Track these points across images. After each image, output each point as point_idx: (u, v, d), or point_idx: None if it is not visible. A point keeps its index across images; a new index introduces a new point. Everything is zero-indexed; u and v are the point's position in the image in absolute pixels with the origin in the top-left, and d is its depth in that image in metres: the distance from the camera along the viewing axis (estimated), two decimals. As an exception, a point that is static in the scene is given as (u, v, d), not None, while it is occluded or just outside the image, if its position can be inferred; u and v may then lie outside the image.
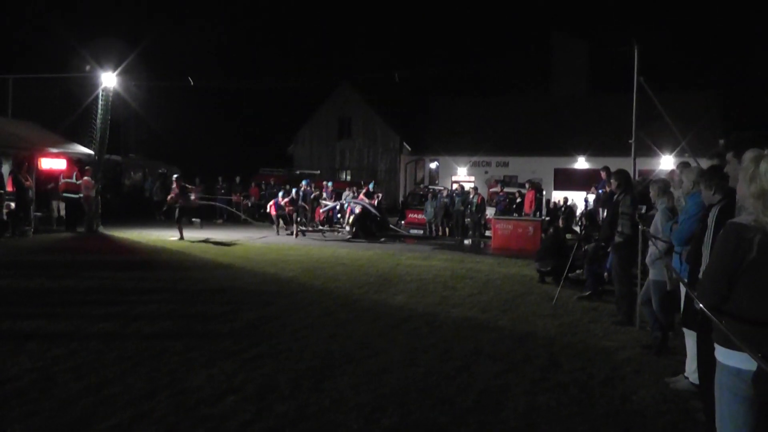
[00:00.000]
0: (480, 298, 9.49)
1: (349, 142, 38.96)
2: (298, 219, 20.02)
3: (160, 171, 28.00)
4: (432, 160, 38.56)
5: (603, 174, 11.87)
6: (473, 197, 21.47)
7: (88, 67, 20.55)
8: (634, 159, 13.24)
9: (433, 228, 22.34)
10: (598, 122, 34.70)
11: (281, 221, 20.24)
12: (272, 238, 18.42)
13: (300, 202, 23.00)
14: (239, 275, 10.86)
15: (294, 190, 21.85)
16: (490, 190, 26.95)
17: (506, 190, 23.25)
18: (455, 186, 25.16)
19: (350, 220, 20.49)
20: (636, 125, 13.02)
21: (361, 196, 22.39)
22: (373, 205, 21.37)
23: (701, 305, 2.78)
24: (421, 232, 22.77)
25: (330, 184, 26.10)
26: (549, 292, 10.00)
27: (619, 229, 7.89)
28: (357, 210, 20.80)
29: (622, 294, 7.98)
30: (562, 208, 22.96)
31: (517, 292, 10.09)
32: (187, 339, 6.36)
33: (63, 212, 18.96)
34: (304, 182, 23.99)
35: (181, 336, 6.48)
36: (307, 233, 15.62)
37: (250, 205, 26.14)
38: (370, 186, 23.99)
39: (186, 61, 43.26)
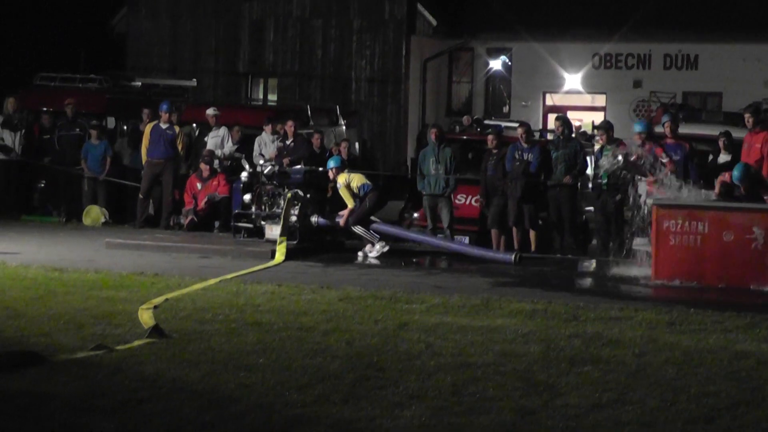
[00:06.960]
0: (623, 413, 4.19)
1: (275, 5, 19.23)
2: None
3: None
4: (494, 52, 19.75)
5: None
6: (603, 153, 10.42)
7: None
8: None
9: (495, 223, 11.15)
10: None
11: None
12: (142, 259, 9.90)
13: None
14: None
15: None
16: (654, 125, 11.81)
17: (690, 130, 11.27)
18: (555, 124, 11.96)
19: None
20: None
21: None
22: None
23: None
24: (466, 238, 11.67)
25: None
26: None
27: None
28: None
29: None
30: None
31: (728, 400, 4.45)
32: None
33: None
34: (162, 107, 12.13)
35: None
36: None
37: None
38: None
39: None
